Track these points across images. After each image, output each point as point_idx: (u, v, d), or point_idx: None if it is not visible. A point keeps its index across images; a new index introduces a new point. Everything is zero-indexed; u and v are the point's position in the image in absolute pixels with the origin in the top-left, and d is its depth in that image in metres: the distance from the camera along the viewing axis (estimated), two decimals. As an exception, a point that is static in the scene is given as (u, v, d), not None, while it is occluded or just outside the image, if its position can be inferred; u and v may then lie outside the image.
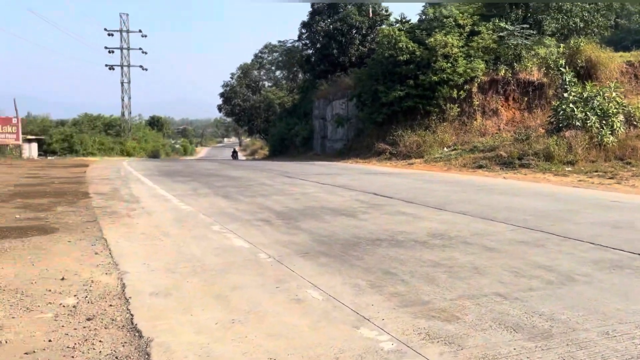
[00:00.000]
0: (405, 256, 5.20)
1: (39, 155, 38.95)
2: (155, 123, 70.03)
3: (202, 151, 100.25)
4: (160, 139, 60.96)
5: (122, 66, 48.91)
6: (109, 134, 48.17)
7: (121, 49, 48.80)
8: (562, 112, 17.40)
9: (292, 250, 5.53)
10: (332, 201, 9.20)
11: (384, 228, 6.65)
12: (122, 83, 49.03)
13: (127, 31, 49.02)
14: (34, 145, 40.80)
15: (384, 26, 29.18)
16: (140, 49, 50.56)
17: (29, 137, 40.17)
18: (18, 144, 30.84)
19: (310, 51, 38.75)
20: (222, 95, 56.97)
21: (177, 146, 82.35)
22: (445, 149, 21.08)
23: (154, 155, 50.35)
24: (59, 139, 41.57)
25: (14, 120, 30.24)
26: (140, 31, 49.59)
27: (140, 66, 50.81)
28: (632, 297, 3.94)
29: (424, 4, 28.76)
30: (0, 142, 30.27)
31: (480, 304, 3.80)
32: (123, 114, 50.10)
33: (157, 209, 8.47)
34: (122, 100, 49.39)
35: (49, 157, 36.31)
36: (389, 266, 4.84)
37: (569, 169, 14.58)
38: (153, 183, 13.00)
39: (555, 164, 15.13)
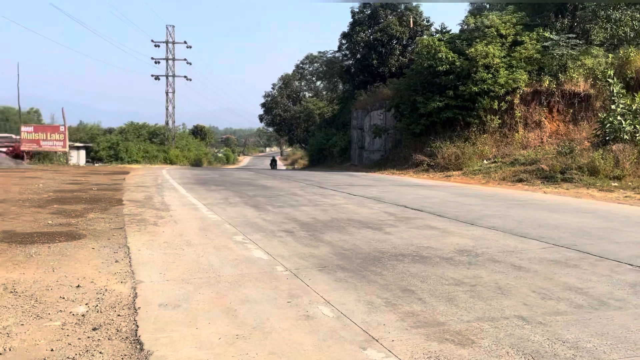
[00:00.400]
0: (427, 273, 4.99)
1: (87, 162, 40.32)
2: (198, 132, 71.53)
3: (244, 160, 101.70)
4: (203, 148, 62.04)
5: (167, 76, 50.14)
6: (153, 142, 49.39)
7: (166, 59, 50.03)
8: (609, 124, 16.71)
9: (310, 263, 5.41)
10: (359, 213, 9.03)
11: (409, 242, 6.44)
12: (166, 93, 50.21)
13: (173, 42, 50.24)
14: (82, 153, 42.27)
15: (424, 36, 28.81)
16: (185, 59, 51.84)
17: (77, 144, 41.66)
18: (65, 150, 31.98)
19: (350, 62, 38.73)
20: (263, 105, 57.69)
21: (220, 155, 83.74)
22: (484, 161, 20.55)
23: (197, 163, 51.26)
24: (106, 147, 42.92)
25: (62, 129, 31.41)
26: (185, 42, 50.79)
27: (185, 76, 52.08)
28: (669, 326, 3.62)
29: (465, 14, 28.34)
30: (49, 149, 31.49)
31: (500, 327, 3.57)
32: (167, 123, 51.31)
33: (184, 218, 8.51)
34: (167, 109, 50.55)
35: (96, 164, 37.53)
36: (408, 283, 4.65)
37: (615, 184, 13.90)
38: (186, 191, 13.15)
39: (600, 178, 14.46)
